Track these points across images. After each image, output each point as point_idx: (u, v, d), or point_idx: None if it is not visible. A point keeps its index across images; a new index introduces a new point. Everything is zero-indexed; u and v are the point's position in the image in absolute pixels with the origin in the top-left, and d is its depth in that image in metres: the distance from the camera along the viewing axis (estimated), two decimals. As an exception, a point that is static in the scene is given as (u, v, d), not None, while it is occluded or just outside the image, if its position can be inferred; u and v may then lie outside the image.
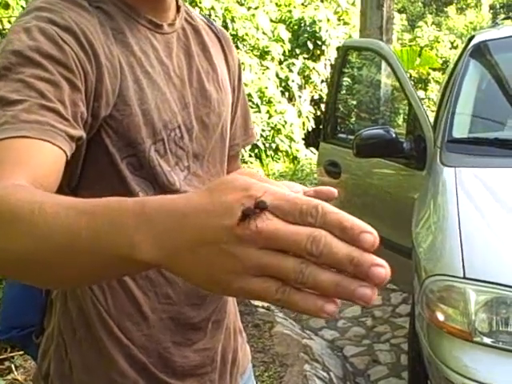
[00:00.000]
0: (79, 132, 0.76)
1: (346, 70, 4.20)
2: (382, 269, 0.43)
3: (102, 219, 0.51)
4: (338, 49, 3.61)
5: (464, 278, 1.88)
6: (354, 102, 4.62)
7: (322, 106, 9.99)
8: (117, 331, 0.89)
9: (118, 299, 0.89)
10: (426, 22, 13.79)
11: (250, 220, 0.46)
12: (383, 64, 4.49)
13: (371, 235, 0.43)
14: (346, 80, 4.40)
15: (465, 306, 1.86)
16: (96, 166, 0.84)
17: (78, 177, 0.84)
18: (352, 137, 3.42)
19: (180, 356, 0.95)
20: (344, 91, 4.41)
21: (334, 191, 0.89)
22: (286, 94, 9.29)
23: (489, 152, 2.56)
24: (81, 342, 0.90)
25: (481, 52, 3.16)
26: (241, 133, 1.15)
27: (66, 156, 0.72)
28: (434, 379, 2.01)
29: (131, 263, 0.50)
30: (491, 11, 17.92)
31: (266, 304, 3.02)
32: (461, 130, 2.80)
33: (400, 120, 4.74)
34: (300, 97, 9.52)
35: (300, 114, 9.34)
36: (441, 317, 1.92)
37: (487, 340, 1.82)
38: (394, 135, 2.91)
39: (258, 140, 7.75)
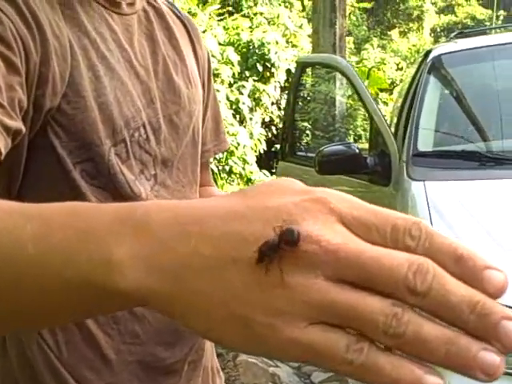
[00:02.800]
0: (17, 123, 0.58)
1: (302, 88, 4.13)
2: None
3: (60, 227, 0.34)
4: (297, 63, 3.51)
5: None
6: (311, 120, 4.54)
7: (273, 129, 9.97)
8: (72, 383, 0.70)
9: (73, 341, 0.70)
10: (371, 45, 14.04)
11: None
12: (337, 81, 4.45)
13: (501, 274, 0.29)
14: (303, 97, 4.32)
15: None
16: (42, 173, 0.67)
17: (19, 186, 0.67)
18: (312, 154, 3.32)
19: None
20: (300, 109, 4.33)
21: None
22: (237, 116, 9.20)
23: (456, 165, 2.50)
24: None
25: (439, 65, 3.12)
26: (212, 137, 0.95)
27: (0, 154, 0.55)
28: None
29: (105, 295, 0.33)
30: (432, 34, 18.45)
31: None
32: (426, 143, 2.73)
33: (357, 135, 4.69)
34: (251, 119, 9.45)
35: (252, 136, 9.26)
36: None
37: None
38: (357, 150, 2.82)
39: (211, 163, 7.62)
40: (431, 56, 3.14)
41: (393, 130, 3.26)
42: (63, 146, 0.66)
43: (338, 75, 4.19)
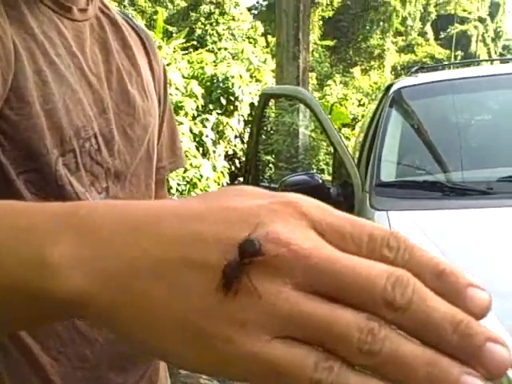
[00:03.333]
0: None
1: (266, 120, 4.13)
2: (503, 349, 0.25)
3: None
4: (261, 95, 3.52)
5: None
6: (274, 151, 4.55)
7: (237, 162, 9.98)
8: None
9: (14, 366, 0.63)
10: (334, 81, 14.29)
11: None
12: (301, 113, 4.47)
13: (485, 293, 0.27)
14: (266, 129, 4.33)
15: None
16: None
17: None
18: (275, 185, 3.30)
19: None
20: (264, 140, 4.33)
21: None
22: (201, 148, 9.19)
23: (419, 195, 2.51)
24: None
25: (400, 98, 3.16)
26: (167, 154, 0.91)
27: None
28: None
29: (36, 302, 0.29)
30: (393, 72, 18.92)
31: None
32: (388, 174, 2.74)
33: (320, 169, 4.71)
34: (214, 152, 9.45)
35: (215, 169, 9.25)
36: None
37: None
38: (320, 181, 2.82)
39: (173, 195, 7.53)
40: (393, 89, 3.18)
41: (355, 162, 3.27)
42: (6, 154, 0.61)
43: (302, 107, 4.21)
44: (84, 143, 0.67)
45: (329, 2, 17.94)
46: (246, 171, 3.87)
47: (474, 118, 3.12)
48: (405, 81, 3.33)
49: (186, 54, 10.95)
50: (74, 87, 0.66)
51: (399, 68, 18.82)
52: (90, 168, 0.68)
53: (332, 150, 3.13)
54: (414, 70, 3.99)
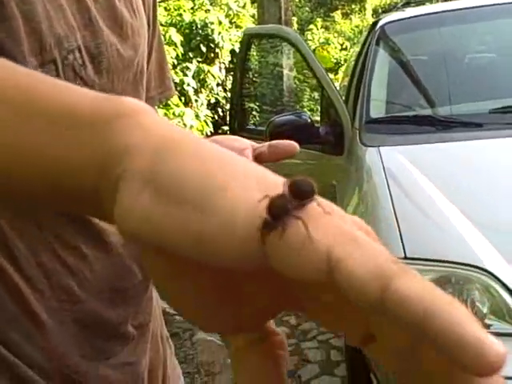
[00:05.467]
0: None
1: (249, 63, 4.03)
2: None
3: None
4: (244, 35, 3.43)
5: (405, 258, 1.75)
6: (259, 94, 4.47)
7: (220, 110, 9.86)
8: None
9: None
10: (316, 25, 14.05)
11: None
12: (284, 55, 4.38)
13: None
14: (250, 71, 4.24)
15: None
16: None
17: None
18: (262, 128, 3.25)
19: (93, 376, 0.64)
20: (248, 82, 4.24)
21: (295, 144, 0.66)
22: (183, 98, 9.04)
23: (409, 129, 2.48)
24: None
25: (388, 33, 3.09)
26: (156, 83, 0.82)
27: None
28: (379, 368, 1.84)
29: (76, 198, 0.29)
30: (374, 15, 18.62)
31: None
32: (378, 110, 2.70)
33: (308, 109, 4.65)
34: (197, 101, 9.31)
35: (198, 118, 9.14)
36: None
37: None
38: (308, 120, 2.78)
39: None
40: (379, 24, 3.12)
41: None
42: None
43: (285, 49, 4.12)
44: (67, 55, 0.59)
45: None
46: (232, 117, 3.80)
47: (462, 50, 3.07)
48: (391, 16, 3.26)
49: (163, 1, 10.65)
50: None
51: (381, 11, 18.53)
52: (74, 84, 0.61)
53: (319, 92, 3.08)
54: (400, 4, 3.91)
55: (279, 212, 0.24)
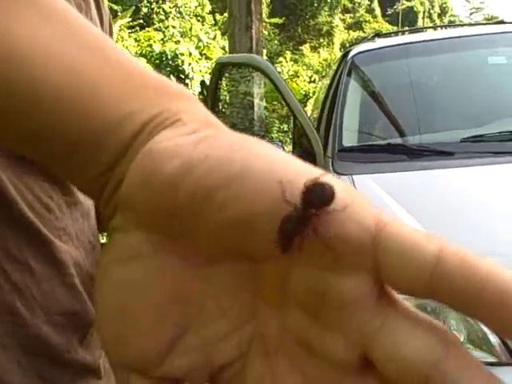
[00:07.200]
0: None
1: (220, 93, 4.03)
2: None
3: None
4: (216, 64, 3.43)
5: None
6: (229, 123, 4.46)
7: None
8: None
9: None
10: (285, 58, 14.25)
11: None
12: (255, 84, 4.39)
13: None
14: (221, 101, 4.24)
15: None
16: None
17: None
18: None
19: None
20: (218, 112, 4.24)
21: None
22: (153, 128, 9.05)
23: (381, 158, 2.48)
24: None
25: (359, 63, 3.12)
26: None
27: None
28: None
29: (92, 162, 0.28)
30: (342, 49, 19.02)
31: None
32: (350, 139, 2.71)
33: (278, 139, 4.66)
34: (167, 131, 9.33)
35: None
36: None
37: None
38: (281, 149, 2.76)
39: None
40: (351, 54, 3.14)
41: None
42: None
43: (256, 78, 4.13)
44: None
45: (276, -21, 17.85)
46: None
47: (432, 80, 3.12)
48: (362, 46, 3.29)
49: (133, 32, 10.70)
50: None
51: (348, 45, 18.95)
52: None
53: (290, 122, 3.08)
54: (371, 36, 3.96)
55: (290, 235, 0.25)
